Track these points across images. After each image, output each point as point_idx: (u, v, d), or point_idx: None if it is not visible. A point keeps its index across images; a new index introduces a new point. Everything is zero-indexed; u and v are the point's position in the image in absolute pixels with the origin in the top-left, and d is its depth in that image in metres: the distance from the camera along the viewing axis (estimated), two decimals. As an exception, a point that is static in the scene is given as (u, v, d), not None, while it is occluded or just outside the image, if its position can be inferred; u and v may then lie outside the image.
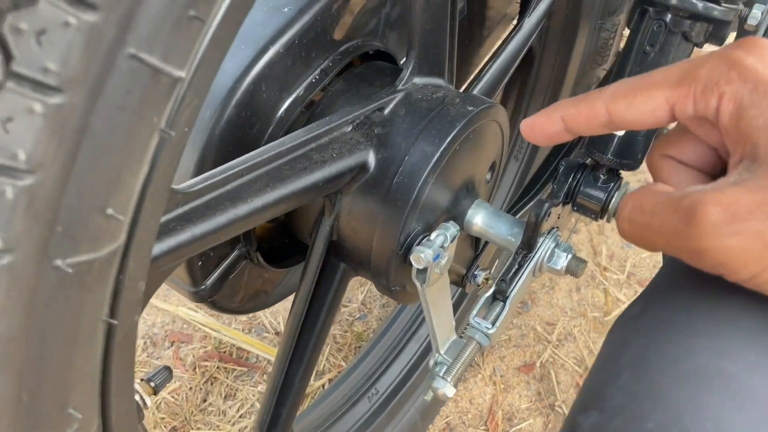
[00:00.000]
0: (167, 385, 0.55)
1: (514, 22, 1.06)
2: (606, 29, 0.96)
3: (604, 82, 0.96)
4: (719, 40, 0.56)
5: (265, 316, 1.29)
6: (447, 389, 0.62)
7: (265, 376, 1.20)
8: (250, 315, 1.29)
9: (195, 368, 1.19)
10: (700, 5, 0.53)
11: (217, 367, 1.19)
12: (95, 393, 0.38)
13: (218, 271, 0.69)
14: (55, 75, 0.26)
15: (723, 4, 0.53)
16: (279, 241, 0.80)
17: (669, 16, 0.55)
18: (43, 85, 0.26)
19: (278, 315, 1.29)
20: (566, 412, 1.19)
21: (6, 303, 0.29)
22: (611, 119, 0.42)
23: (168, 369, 0.54)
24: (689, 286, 0.40)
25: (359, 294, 1.34)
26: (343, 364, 1.21)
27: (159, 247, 0.45)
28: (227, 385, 1.18)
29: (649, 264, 1.42)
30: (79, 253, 0.31)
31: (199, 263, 0.67)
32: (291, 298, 0.86)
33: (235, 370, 1.20)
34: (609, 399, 0.34)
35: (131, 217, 0.34)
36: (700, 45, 0.57)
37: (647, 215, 0.38)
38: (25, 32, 0.25)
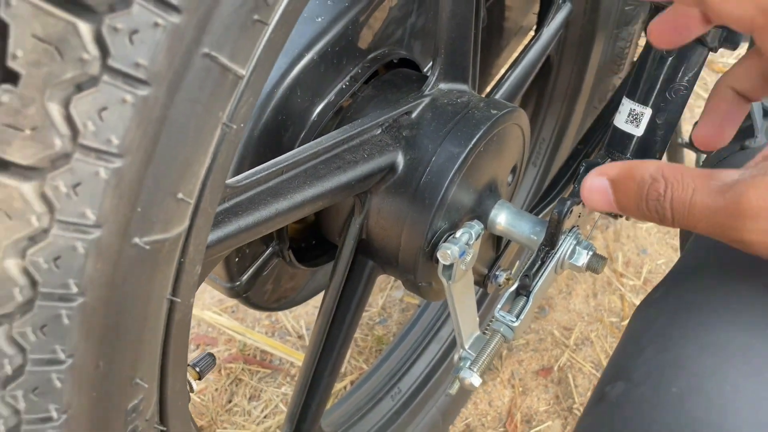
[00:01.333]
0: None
1: (532, 32, 1.09)
2: (622, 38, 0.99)
3: (621, 89, 0.99)
4: (733, 44, 0.59)
5: (287, 319, 1.32)
6: (474, 379, 0.65)
7: (288, 378, 1.23)
8: (273, 319, 1.32)
9: (220, 370, 1.22)
10: (714, 12, 0.56)
11: (242, 369, 1.22)
12: (156, 368, 0.41)
13: (253, 267, 0.73)
14: (144, 70, 0.29)
15: (736, 11, 0.56)
16: (307, 242, 0.83)
17: (685, 23, 0.57)
18: (133, 78, 0.29)
19: (300, 319, 1.32)
20: (584, 414, 1.20)
21: (93, 275, 0.32)
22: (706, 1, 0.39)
23: (211, 355, 0.57)
24: (709, 272, 0.43)
25: (379, 299, 1.36)
26: (365, 366, 1.24)
27: (210, 237, 0.49)
28: (252, 387, 1.21)
29: (664, 270, 1.44)
30: (153, 233, 0.34)
31: (236, 260, 0.70)
32: (310, 301, 0.89)
33: (259, 372, 1.23)
34: (634, 370, 0.37)
35: (194, 203, 0.38)
36: (714, 50, 0.60)
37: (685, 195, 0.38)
38: (120, 31, 0.28)
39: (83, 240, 0.31)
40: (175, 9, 0.29)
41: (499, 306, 0.67)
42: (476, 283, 0.81)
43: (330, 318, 0.74)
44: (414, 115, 0.68)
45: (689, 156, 1.54)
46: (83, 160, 0.29)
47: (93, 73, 0.28)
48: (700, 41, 0.58)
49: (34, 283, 0.30)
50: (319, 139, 0.60)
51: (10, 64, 0.28)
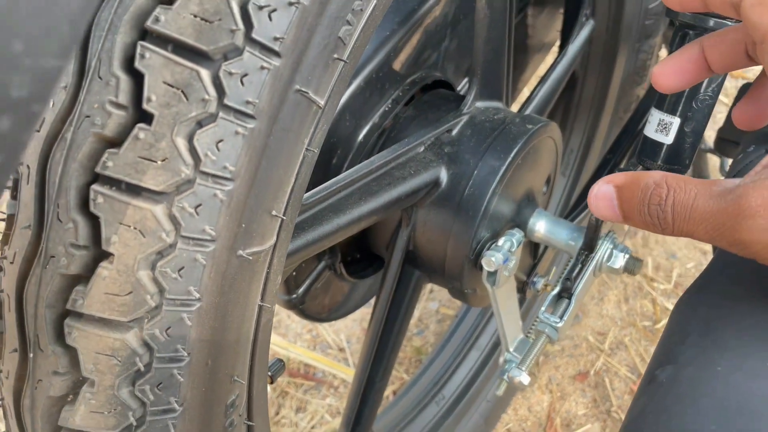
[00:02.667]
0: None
1: (554, 48, 1.14)
2: (644, 51, 1.04)
3: (644, 100, 1.03)
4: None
5: (327, 333, 1.37)
6: (523, 377, 0.69)
7: (332, 390, 1.27)
8: (314, 333, 1.37)
9: (267, 383, 1.27)
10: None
11: (288, 382, 1.27)
12: (247, 367, 0.46)
13: (308, 280, 0.78)
14: (252, 106, 0.35)
15: (755, 25, 0.60)
16: (353, 256, 0.88)
17: (707, 38, 0.62)
18: (244, 114, 0.35)
19: (340, 332, 1.37)
20: (622, 417, 1.23)
21: (207, 282, 0.37)
22: (741, 6, 0.41)
23: (281, 361, 0.62)
24: (744, 264, 0.47)
25: (416, 311, 1.41)
26: (405, 376, 1.28)
27: (284, 250, 0.54)
28: (298, 399, 1.26)
29: (694, 274, 1.47)
30: (253, 245, 0.39)
31: (294, 273, 0.75)
32: (349, 315, 0.94)
33: (303, 384, 1.28)
34: (681, 354, 0.41)
35: (281, 220, 0.43)
36: (736, 61, 0.64)
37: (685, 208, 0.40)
38: (234, 75, 0.34)
39: (203, 252, 0.36)
40: (276, 54, 0.35)
41: (542, 309, 0.71)
42: (517, 291, 0.85)
43: (381, 325, 0.79)
44: (454, 132, 0.73)
45: (713, 160, 1.58)
46: (204, 184, 0.35)
47: (212, 111, 0.34)
48: (723, 54, 0.62)
49: (162, 290, 0.36)
50: (371, 159, 0.65)
51: (145, 106, 0.33)
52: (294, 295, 0.77)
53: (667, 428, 0.35)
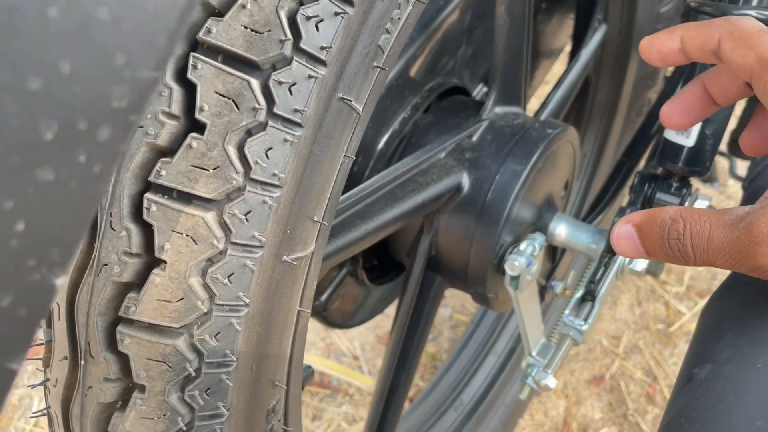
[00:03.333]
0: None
1: (564, 54, 1.15)
2: (654, 56, 1.04)
3: (657, 104, 1.04)
4: None
5: (341, 341, 1.37)
6: (549, 381, 0.70)
7: (347, 398, 1.27)
8: (328, 341, 1.38)
9: (283, 391, 1.27)
10: (753, 30, 0.61)
11: (303, 391, 1.27)
12: (286, 372, 0.47)
13: (331, 287, 0.78)
14: (300, 114, 0.36)
15: None
16: (372, 263, 0.89)
17: (726, 41, 0.63)
18: (292, 122, 0.35)
19: (354, 340, 1.37)
20: (639, 421, 1.23)
21: (255, 288, 0.38)
22: (720, 52, 0.44)
23: (310, 367, 0.63)
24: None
25: (429, 317, 1.41)
26: (421, 383, 1.28)
27: (317, 257, 0.54)
28: (314, 407, 1.26)
29: (706, 276, 1.47)
30: (297, 251, 0.40)
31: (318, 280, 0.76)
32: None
33: (319, 392, 1.28)
34: (719, 353, 0.42)
35: (319, 227, 0.43)
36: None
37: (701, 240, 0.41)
38: (283, 84, 0.35)
39: (252, 258, 0.37)
40: (323, 63, 0.36)
41: (566, 312, 0.71)
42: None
43: (404, 331, 0.79)
44: (475, 138, 0.74)
45: (720, 163, 1.58)
46: (254, 191, 0.35)
47: (262, 119, 0.35)
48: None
49: (212, 296, 0.36)
50: (395, 166, 0.66)
51: (198, 116, 0.34)
52: (317, 302, 0.78)
53: (713, 426, 0.36)
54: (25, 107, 0.16)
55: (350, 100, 0.39)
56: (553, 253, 0.88)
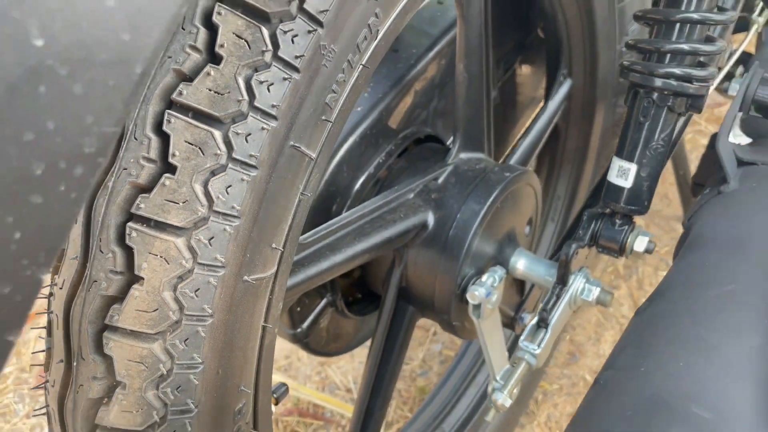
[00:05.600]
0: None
1: (542, 104, 1.24)
2: (620, 106, 1.13)
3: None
4: (697, 109, 0.71)
5: (336, 375, 1.43)
6: (504, 400, 0.76)
7: (339, 429, 1.32)
8: (323, 375, 1.44)
9: (277, 423, 1.33)
10: (677, 85, 0.69)
11: (297, 422, 1.33)
12: (252, 380, 0.54)
13: (311, 316, 0.86)
14: (255, 158, 0.44)
15: (695, 83, 0.69)
16: (354, 295, 0.96)
17: (656, 95, 0.71)
18: (248, 164, 0.44)
19: (348, 374, 1.43)
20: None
21: (218, 302, 0.45)
22: None
23: (285, 385, 0.69)
24: (679, 290, 0.55)
25: (420, 352, 1.47)
26: (409, 415, 1.33)
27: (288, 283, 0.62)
28: (307, 438, 1.31)
29: (688, 314, 1.52)
30: (256, 272, 0.48)
31: (298, 309, 0.83)
32: (356, 357, 1.01)
33: (312, 423, 1.33)
34: (618, 361, 0.49)
35: (280, 252, 0.51)
36: (683, 114, 0.73)
37: None
38: (240, 134, 0.43)
39: (215, 276, 0.44)
40: (274, 117, 0.44)
41: (522, 338, 0.78)
42: (506, 325, 0.92)
43: (379, 357, 0.86)
44: (440, 180, 0.82)
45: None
46: (216, 221, 0.44)
47: (223, 162, 0.43)
48: (669, 108, 0.71)
49: (182, 307, 0.44)
50: (365, 203, 0.74)
51: (171, 160, 0.42)
52: (299, 329, 0.85)
53: (587, 427, 0.43)
54: (23, 152, 0.25)
55: (301, 147, 0.47)
56: (522, 287, 0.95)
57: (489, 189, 0.79)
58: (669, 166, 1.66)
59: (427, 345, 1.49)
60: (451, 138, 1.00)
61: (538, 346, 0.76)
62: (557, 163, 1.18)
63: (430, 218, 0.80)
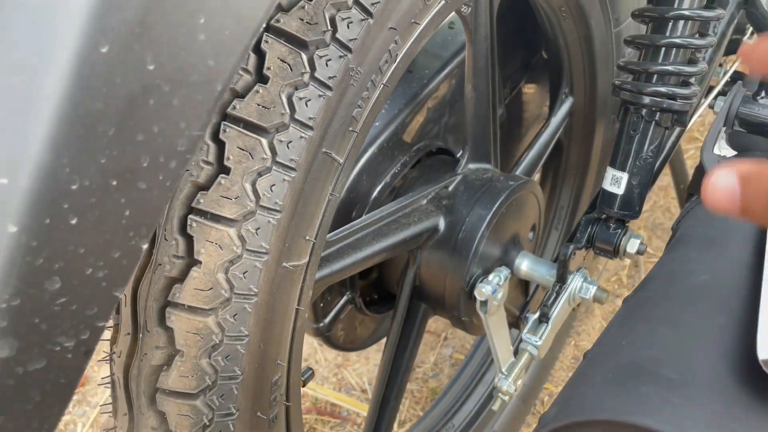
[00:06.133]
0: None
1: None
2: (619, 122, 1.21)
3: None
4: (682, 123, 0.79)
5: (351, 376, 1.50)
6: (509, 387, 0.83)
7: (355, 427, 1.40)
8: (340, 376, 1.51)
9: (296, 421, 1.40)
10: (664, 103, 0.77)
11: (316, 420, 1.40)
12: (286, 356, 0.62)
13: (333, 311, 0.94)
14: (295, 162, 0.52)
15: (679, 100, 0.77)
16: (371, 295, 1.04)
17: (644, 110, 0.79)
18: (289, 167, 0.52)
19: (363, 375, 1.51)
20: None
21: (262, 283, 0.54)
22: None
23: (310, 369, 0.77)
24: (660, 281, 0.63)
25: (431, 356, 1.54)
26: (421, 413, 1.40)
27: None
28: (324, 435, 1.39)
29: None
30: (293, 260, 0.56)
31: (321, 305, 0.91)
32: (371, 359, 1.09)
33: (330, 421, 1.41)
34: (603, 339, 0.56)
35: (312, 244, 0.59)
36: (669, 128, 0.80)
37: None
38: (283, 142, 0.52)
39: (260, 261, 0.53)
40: (311, 128, 0.53)
41: (525, 331, 0.85)
42: (511, 324, 1.00)
43: (394, 349, 0.94)
44: (450, 188, 0.90)
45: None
46: (262, 214, 0.52)
47: (268, 165, 0.51)
48: (657, 123, 0.79)
49: (232, 287, 0.52)
50: (382, 208, 0.83)
51: (225, 163, 0.51)
52: (321, 324, 0.93)
53: (574, 389, 0.50)
54: (136, 149, 0.33)
55: (332, 153, 0.56)
56: (527, 288, 1.03)
57: (495, 196, 0.88)
58: (671, 180, 1.73)
59: (438, 349, 1.56)
60: (461, 150, 1.08)
61: (540, 338, 0.83)
62: (560, 175, 1.26)
63: (442, 222, 0.88)
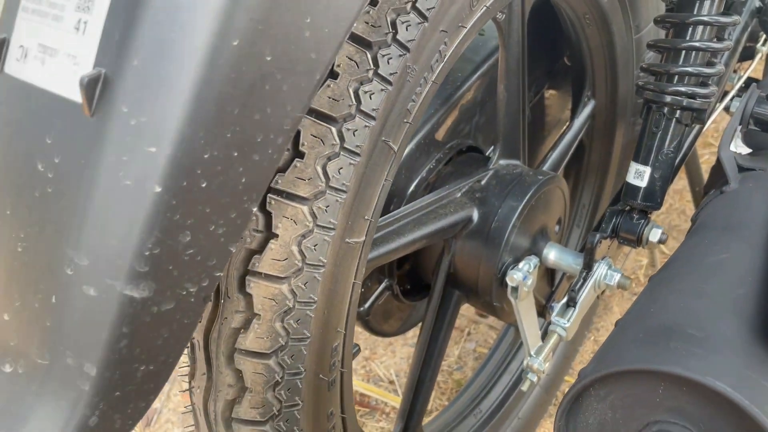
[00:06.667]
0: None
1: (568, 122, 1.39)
2: (638, 124, 1.27)
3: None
4: (701, 120, 0.86)
5: (379, 368, 1.57)
6: (540, 365, 0.89)
7: (384, 415, 1.46)
8: (368, 369, 1.58)
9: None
10: (684, 101, 0.84)
11: (345, 408, 1.47)
12: (344, 324, 0.69)
13: (372, 296, 1.00)
14: (359, 148, 0.59)
15: (698, 99, 0.84)
16: (405, 285, 1.11)
17: (666, 109, 0.85)
18: (354, 153, 0.59)
19: (390, 368, 1.57)
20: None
21: (329, 256, 0.61)
22: None
23: (357, 345, 0.84)
24: (682, 260, 0.69)
25: (455, 350, 1.60)
26: (446, 403, 1.46)
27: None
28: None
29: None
30: (354, 237, 0.63)
31: (362, 290, 0.98)
32: (397, 353, 1.15)
33: (360, 410, 1.47)
34: (632, 310, 0.63)
35: (369, 222, 0.66)
36: (689, 125, 0.87)
37: None
38: (350, 130, 0.59)
39: (328, 235, 0.60)
40: (373, 118, 0.60)
41: (554, 315, 0.92)
42: (538, 313, 1.06)
43: (429, 334, 1.00)
44: (483, 182, 0.97)
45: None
46: (330, 194, 0.59)
47: (337, 151, 0.59)
48: (677, 120, 0.85)
49: (304, 258, 0.59)
50: (421, 198, 0.89)
51: (300, 148, 0.58)
52: (362, 308, 0.99)
53: (607, 352, 0.57)
54: (253, 126, 0.41)
55: (389, 142, 0.63)
56: (552, 278, 1.09)
57: (525, 189, 0.94)
58: (686, 184, 1.79)
59: (462, 343, 1.63)
60: (491, 147, 1.15)
61: (568, 320, 0.90)
62: (582, 175, 1.32)
63: (475, 213, 0.94)
